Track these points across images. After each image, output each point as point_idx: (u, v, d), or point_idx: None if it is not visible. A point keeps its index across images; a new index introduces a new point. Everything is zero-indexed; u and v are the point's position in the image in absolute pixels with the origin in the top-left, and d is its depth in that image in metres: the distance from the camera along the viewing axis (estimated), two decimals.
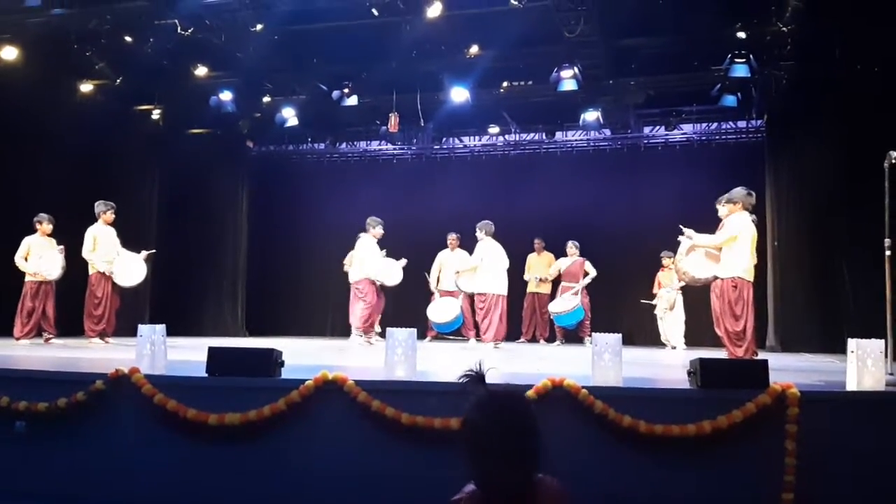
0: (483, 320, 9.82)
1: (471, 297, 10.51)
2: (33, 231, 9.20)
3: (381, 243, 12.05)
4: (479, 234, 9.93)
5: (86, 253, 9.24)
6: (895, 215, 5.00)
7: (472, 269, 10.05)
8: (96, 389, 4.32)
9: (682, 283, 10.16)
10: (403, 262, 10.93)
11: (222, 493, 4.20)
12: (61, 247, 9.22)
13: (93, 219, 9.44)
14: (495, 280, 9.81)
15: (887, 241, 4.96)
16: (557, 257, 12.33)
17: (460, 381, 2.03)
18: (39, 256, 9.10)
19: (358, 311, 10.30)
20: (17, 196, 10.07)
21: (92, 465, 4.34)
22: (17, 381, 4.56)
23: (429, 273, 11.40)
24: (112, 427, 4.36)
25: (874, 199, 5.36)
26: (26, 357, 6.47)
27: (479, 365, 2.06)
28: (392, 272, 10.59)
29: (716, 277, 7.21)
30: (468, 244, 11.40)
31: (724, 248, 7.02)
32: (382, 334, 11.23)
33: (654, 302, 11.57)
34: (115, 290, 9.38)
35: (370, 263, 10.26)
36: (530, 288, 12.29)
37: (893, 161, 5.03)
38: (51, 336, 9.09)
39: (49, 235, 9.24)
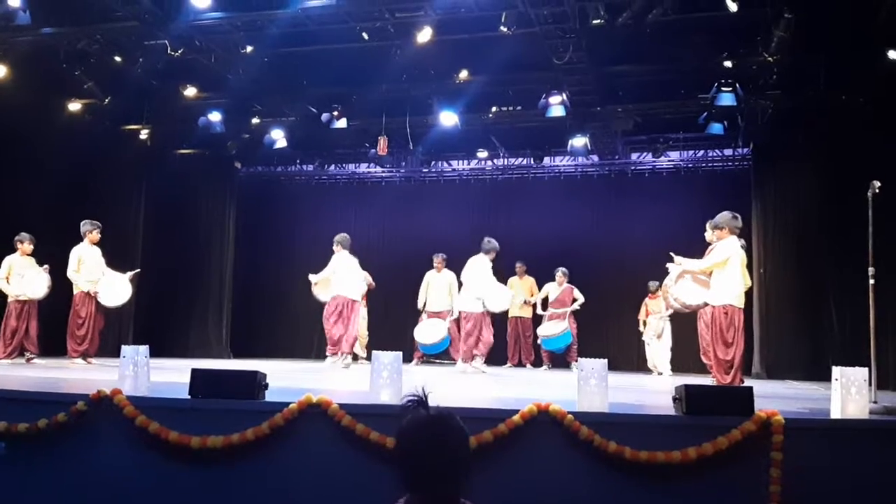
0: (467, 339, 9.69)
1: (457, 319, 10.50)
2: (14, 250, 9.13)
3: (370, 266, 12.07)
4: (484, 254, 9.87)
5: (70, 273, 9.17)
6: (879, 244, 5.05)
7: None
8: (78, 410, 4.27)
9: (671, 311, 10.19)
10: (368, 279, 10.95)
11: None
12: (46, 266, 9.15)
13: (77, 238, 9.38)
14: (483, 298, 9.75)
15: (871, 270, 5.00)
16: (540, 281, 12.34)
17: (404, 403, 2.16)
18: (21, 276, 9.03)
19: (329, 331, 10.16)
20: (2, 214, 9.99)
21: (72, 488, 4.27)
22: None
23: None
24: (93, 449, 4.30)
25: (859, 227, 5.42)
26: (6, 377, 6.39)
27: (423, 389, 2.19)
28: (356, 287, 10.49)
29: (706, 304, 7.24)
30: (455, 266, 11.42)
31: (714, 274, 7.03)
32: (355, 357, 11.15)
33: (640, 329, 11.60)
34: (99, 310, 9.31)
35: (338, 279, 10.12)
36: (512, 312, 12.28)
37: (877, 190, 5.09)
38: (33, 356, 8.99)
39: (29, 255, 9.16)
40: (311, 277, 10.32)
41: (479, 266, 9.77)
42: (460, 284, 10.19)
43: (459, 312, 9.88)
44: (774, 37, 8.82)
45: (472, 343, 9.65)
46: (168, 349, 11.61)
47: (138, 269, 10.02)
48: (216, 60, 10.17)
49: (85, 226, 9.37)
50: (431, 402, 2.17)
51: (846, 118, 10.21)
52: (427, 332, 10.71)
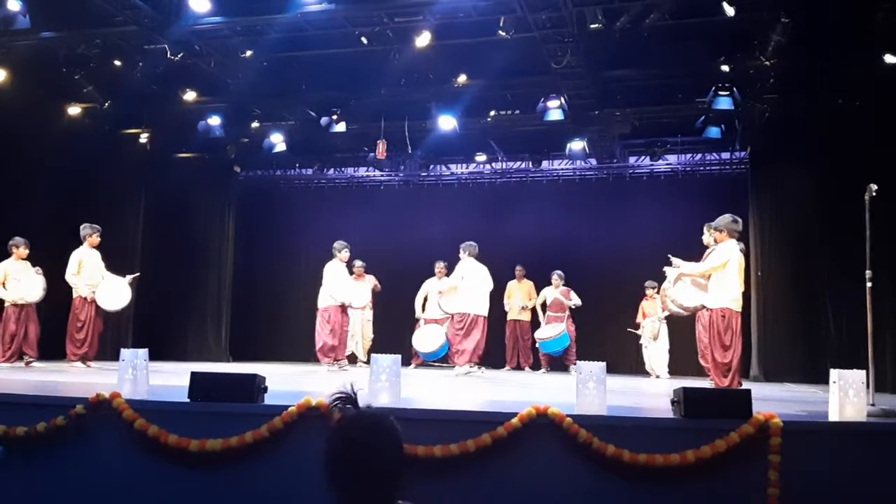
0: (459, 343, 9.66)
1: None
2: (8, 255, 9.13)
3: (369, 269, 12.13)
4: (462, 254, 9.94)
5: (70, 276, 9.17)
6: (876, 247, 5.06)
7: (452, 289, 9.94)
8: (76, 414, 4.27)
9: (667, 313, 10.20)
10: (369, 284, 10.95)
11: None
12: (38, 268, 9.15)
13: (77, 242, 9.38)
14: (474, 300, 9.72)
15: (868, 273, 5.01)
16: (539, 285, 12.35)
17: (332, 401, 2.09)
18: (18, 280, 9.03)
19: (322, 338, 10.17)
20: (1, 218, 9.99)
21: (71, 491, 4.28)
22: None
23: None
24: (92, 452, 4.30)
25: (856, 230, 5.43)
26: (5, 380, 6.39)
27: (351, 386, 2.10)
28: (359, 294, 10.56)
29: (703, 307, 7.25)
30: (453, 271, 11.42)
31: (713, 277, 7.04)
32: (352, 360, 11.25)
33: (638, 332, 11.60)
34: (98, 314, 9.31)
35: (335, 287, 10.17)
36: (511, 315, 12.30)
37: (874, 193, 5.10)
38: (31, 359, 8.99)
39: (25, 259, 9.16)
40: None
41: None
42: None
43: (478, 317, 9.70)
44: (771, 41, 8.86)
45: (463, 346, 9.68)
46: (167, 352, 11.60)
47: (138, 273, 10.01)
48: (215, 65, 10.19)
49: (85, 229, 9.37)
50: (363, 402, 2.09)
51: (843, 122, 10.23)
52: (426, 340, 10.72)
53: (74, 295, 9.23)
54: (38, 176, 10.77)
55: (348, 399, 2.06)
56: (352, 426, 2.03)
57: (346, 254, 10.36)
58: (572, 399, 4.34)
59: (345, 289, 10.27)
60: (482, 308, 9.80)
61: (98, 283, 9.30)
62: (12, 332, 8.94)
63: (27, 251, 9.17)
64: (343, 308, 10.22)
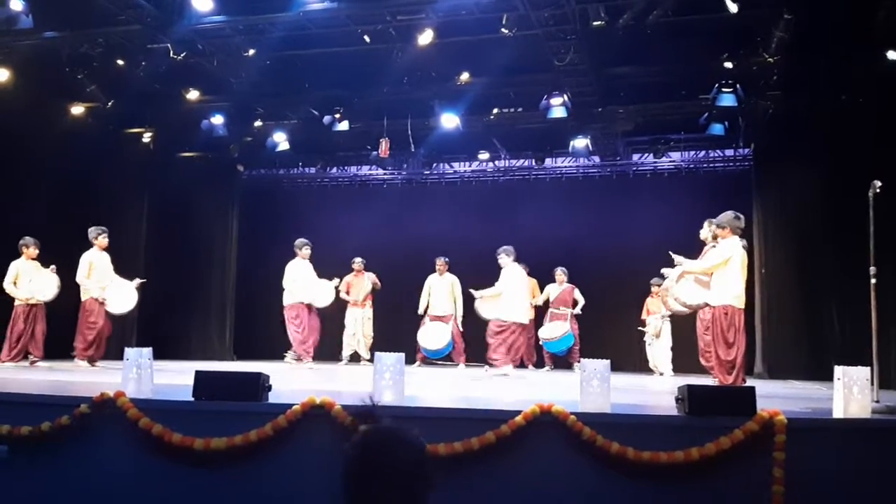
0: (498, 347, 9.28)
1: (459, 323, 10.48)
2: (18, 255, 9.14)
3: (372, 267, 12.14)
4: (506, 258, 9.56)
5: (80, 278, 9.16)
6: (880, 244, 5.06)
7: (495, 296, 9.67)
8: (81, 413, 4.28)
9: (670, 312, 10.19)
10: (335, 282, 11.02)
11: None
12: (53, 266, 9.16)
13: (80, 242, 9.38)
14: (515, 308, 9.46)
15: (872, 269, 5.00)
16: (542, 283, 12.33)
17: (352, 413, 1.96)
18: (30, 280, 9.04)
19: (292, 336, 10.32)
20: (4, 219, 10.00)
21: (75, 490, 4.28)
22: (0, 405, 4.51)
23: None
24: (96, 451, 4.31)
25: (859, 227, 5.42)
26: (9, 380, 6.40)
27: (371, 398, 1.97)
28: (322, 294, 10.58)
29: (706, 304, 7.23)
30: (456, 269, 11.44)
31: (715, 274, 7.02)
32: (355, 358, 11.26)
33: (645, 329, 11.57)
34: (107, 316, 9.31)
35: (295, 286, 10.26)
36: None
37: (878, 190, 5.09)
38: (36, 359, 9.00)
39: (34, 259, 9.18)
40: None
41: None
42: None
43: (518, 325, 9.47)
44: (774, 37, 8.84)
45: (503, 349, 9.39)
46: (171, 351, 11.61)
47: (144, 279, 9.98)
48: (218, 64, 10.19)
49: (93, 231, 9.33)
50: (383, 414, 1.93)
51: (846, 119, 10.20)
52: (432, 338, 10.72)
53: (85, 297, 9.21)
54: (41, 175, 10.78)
55: (369, 413, 1.92)
56: (371, 442, 1.88)
57: (307, 251, 10.48)
58: (576, 397, 4.34)
59: (305, 287, 10.33)
60: (524, 316, 9.60)
61: (107, 285, 9.30)
62: (20, 331, 8.96)
63: (37, 251, 9.18)
64: (308, 305, 10.28)
